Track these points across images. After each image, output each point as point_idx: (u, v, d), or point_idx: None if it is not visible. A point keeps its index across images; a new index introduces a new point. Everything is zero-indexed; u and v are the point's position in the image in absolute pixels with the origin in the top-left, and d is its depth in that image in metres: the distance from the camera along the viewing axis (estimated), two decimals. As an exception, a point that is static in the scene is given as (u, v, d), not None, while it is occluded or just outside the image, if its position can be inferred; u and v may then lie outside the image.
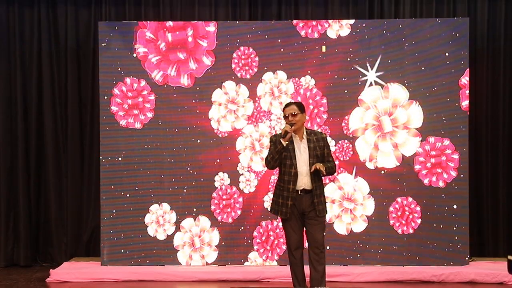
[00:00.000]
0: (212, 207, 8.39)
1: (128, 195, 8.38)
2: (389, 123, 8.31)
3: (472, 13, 8.83)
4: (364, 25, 8.34)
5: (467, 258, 8.27)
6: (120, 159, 8.37)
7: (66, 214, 9.04)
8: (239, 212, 8.40)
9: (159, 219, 8.40)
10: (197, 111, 8.38)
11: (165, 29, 8.38)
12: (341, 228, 8.34)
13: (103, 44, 8.38)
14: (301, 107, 6.73)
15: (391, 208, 8.31)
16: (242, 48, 8.38)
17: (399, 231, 8.28)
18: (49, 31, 9.02)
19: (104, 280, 8.09)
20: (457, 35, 8.25)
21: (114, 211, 8.39)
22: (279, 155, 6.60)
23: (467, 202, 8.28)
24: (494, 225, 8.92)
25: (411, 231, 8.28)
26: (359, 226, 8.34)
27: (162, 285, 7.95)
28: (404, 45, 8.28)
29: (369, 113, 8.33)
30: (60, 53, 9.05)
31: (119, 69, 8.37)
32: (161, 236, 8.41)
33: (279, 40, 8.34)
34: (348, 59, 8.31)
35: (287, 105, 6.76)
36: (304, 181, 6.62)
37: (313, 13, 8.95)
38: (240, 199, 8.38)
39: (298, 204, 6.63)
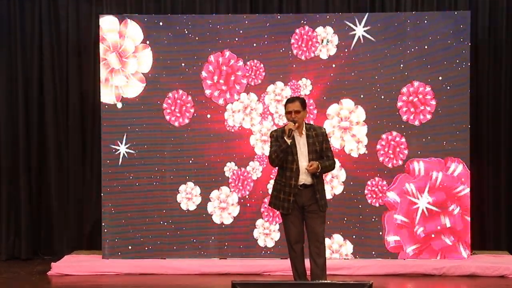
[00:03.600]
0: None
1: (129, 187, 8.40)
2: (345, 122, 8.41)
3: (473, 6, 8.80)
4: (365, 18, 8.36)
5: (468, 251, 8.27)
6: (121, 149, 8.40)
7: (67, 207, 9.06)
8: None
9: (188, 196, 8.43)
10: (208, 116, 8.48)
11: (218, 84, 8.44)
12: (337, 189, 8.39)
13: (103, 38, 8.39)
14: (304, 103, 6.68)
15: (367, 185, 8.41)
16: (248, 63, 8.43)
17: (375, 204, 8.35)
18: (50, 24, 9.02)
19: (105, 273, 8.11)
20: (459, 28, 8.23)
21: (112, 207, 8.40)
22: (284, 154, 6.57)
23: (468, 194, 8.27)
24: (495, 218, 8.91)
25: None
26: (342, 175, 8.37)
27: (163, 278, 7.97)
28: (405, 38, 8.26)
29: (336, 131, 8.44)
30: (61, 46, 9.05)
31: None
32: (198, 200, 8.43)
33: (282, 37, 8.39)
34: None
35: (291, 101, 6.69)
36: (304, 176, 6.60)
37: (314, 5, 8.93)
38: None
39: (299, 198, 6.62)
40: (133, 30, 8.39)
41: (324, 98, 8.38)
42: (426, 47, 8.24)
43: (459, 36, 8.23)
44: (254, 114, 8.43)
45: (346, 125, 8.38)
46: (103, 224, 8.42)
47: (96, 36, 8.82)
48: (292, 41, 8.36)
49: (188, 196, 8.42)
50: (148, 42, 8.37)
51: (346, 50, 8.32)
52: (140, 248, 8.40)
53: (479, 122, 8.85)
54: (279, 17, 8.52)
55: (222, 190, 8.44)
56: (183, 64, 8.41)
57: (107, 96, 8.38)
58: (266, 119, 8.42)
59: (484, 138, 8.90)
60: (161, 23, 8.40)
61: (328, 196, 7.63)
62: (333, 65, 8.36)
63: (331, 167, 6.75)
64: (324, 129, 6.84)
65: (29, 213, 8.98)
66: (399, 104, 8.32)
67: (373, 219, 8.33)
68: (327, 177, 8.25)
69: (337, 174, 8.33)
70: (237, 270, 8.02)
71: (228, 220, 8.42)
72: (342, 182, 8.37)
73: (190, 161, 8.43)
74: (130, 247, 8.40)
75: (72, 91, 9.04)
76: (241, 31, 8.39)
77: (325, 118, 8.38)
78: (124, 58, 8.39)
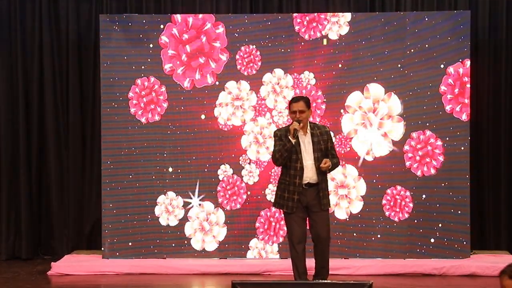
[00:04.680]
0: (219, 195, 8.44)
1: (129, 187, 8.40)
2: (374, 117, 8.30)
3: (473, 5, 8.80)
4: (364, 18, 8.37)
5: (468, 251, 8.27)
6: (122, 152, 8.40)
7: (67, 207, 9.05)
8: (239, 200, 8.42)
9: (168, 208, 8.39)
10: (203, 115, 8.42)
11: (182, 44, 8.35)
12: (341, 213, 8.32)
13: (103, 38, 8.39)
14: (308, 103, 6.75)
15: (386, 194, 8.31)
16: (244, 47, 8.39)
17: (395, 218, 8.27)
18: (50, 24, 9.01)
19: (105, 273, 8.11)
20: (459, 28, 8.23)
21: (112, 207, 8.39)
22: (288, 153, 6.62)
23: (468, 194, 8.28)
24: (495, 217, 8.90)
25: (406, 215, 8.27)
26: (357, 207, 8.31)
27: (163, 278, 7.96)
28: (405, 38, 8.26)
29: (357, 115, 8.33)
30: (61, 46, 9.05)
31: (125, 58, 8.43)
32: (173, 222, 8.40)
33: (283, 36, 8.36)
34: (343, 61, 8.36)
35: (295, 100, 6.74)
36: (309, 175, 6.66)
37: (314, 6, 8.93)
38: (243, 190, 8.41)
39: (303, 197, 6.67)
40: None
41: (325, 100, 8.38)
42: (426, 45, 8.24)
43: (459, 36, 8.24)
44: (245, 107, 8.40)
45: (373, 122, 8.32)
46: (103, 224, 8.42)
47: (96, 36, 8.83)
48: (298, 24, 8.36)
49: (168, 207, 8.45)
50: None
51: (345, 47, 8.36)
52: (140, 248, 8.40)
53: (479, 122, 8.84)
54: (279, 17, 8.51)
55: (217, 213, 8.44)
56: (178, 61, 8.42)
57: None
58: (263, 115, 8.43)
59: (484, 138, 8.90)
60: (161, 26, 8.40)
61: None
62: (339, 65, 8.35)
63: (337, 165, 6.89)
64: (328, 128, 6.94)
65: (29, 213, 8.97)
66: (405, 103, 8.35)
67: (373, 220, 8.34)
68: (343, 193, 8.31)
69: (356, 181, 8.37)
70: (237, 270, 8.02)
71: (197, 245, 8.42)
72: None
73: (189, 161, 8.42)
74: (130, 245, 8.38)
75: (72, 91, 9.04)
76: (242, 28, 8.39)
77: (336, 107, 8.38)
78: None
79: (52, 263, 8.23)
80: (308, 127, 6.73)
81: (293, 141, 6.58)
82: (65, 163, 9.05)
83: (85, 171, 9.07)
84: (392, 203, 8.31)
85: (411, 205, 8.28)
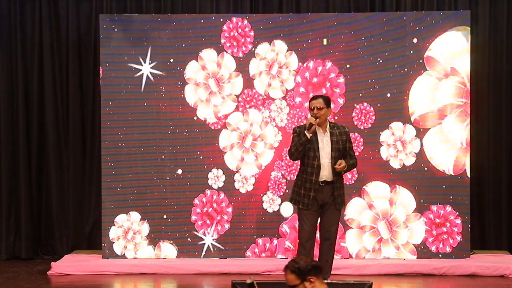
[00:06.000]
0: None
1: (129, 187, 8.39)
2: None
3: (473, 5, 8.80)
4: (364, 17, 8.38)
5: (468, 251, 8.27)
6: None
7: (67, 207, 9.05)
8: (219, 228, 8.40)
9: (127, 234, 8.36)
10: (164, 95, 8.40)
11: None
12: (352, 246, 8.30)
13: (103, 38, 8.39)
14: (327, 101, 6.91)
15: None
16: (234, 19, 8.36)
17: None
18: (50, 24, 9.01)
19: (105, 273, 8.10)
20: (459, 28, 8.23)
21: (112, 207, 8.39)
22: (303, 147, 6.75)
23: (468, 194, 8.27)
24: (495, 217, 8.90)
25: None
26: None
27: (163, 278, 7.96)
28: (405, 38, 8.26)
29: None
30: (61, 46, 9.05)
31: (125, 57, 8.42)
32: (118, 250, 8.36)
33: (281, 35, 8.34)
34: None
35: (315, 97, 6.93)
36: (325, 173, 6.79)
37: (314, 5, 8.94)
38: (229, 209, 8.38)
39: (319, 195, 6.80)
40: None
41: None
42: (427, 44, 8.24)
43: (459, 36, 8.23)
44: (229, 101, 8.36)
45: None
46: (103, 224, 8.41)
47: (96, 36, 8.83)
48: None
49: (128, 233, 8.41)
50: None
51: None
52: (140, 247, 8.38)
53: (480, 123, 8.83)
54: (280, 17, 8.51)
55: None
56: (179, 68, 8.42)
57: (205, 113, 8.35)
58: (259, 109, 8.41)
59: (485, 138, 8.89)
60: (160, 27, 8.41)
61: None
62: (347, 65, 8.32)
63: (354, 165, 7.02)
64: (348, 128, 7.05)
65: (29, 213, 8.97)
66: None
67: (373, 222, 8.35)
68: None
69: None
70: (237, 270, 8.01)
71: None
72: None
73: (185, 159, 8.40)
74: (130, 244, 8.38)
75: (72, 91, 9.04)
76: (245, 29, 8.38)
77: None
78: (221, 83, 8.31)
79: (52, 263, 8.23)
80: (328, 126, 6.87)
81: (308, 135, 6.71)
82: (65, 163, 9.05)
83: (85, 171, 9.06)
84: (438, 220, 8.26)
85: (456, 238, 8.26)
